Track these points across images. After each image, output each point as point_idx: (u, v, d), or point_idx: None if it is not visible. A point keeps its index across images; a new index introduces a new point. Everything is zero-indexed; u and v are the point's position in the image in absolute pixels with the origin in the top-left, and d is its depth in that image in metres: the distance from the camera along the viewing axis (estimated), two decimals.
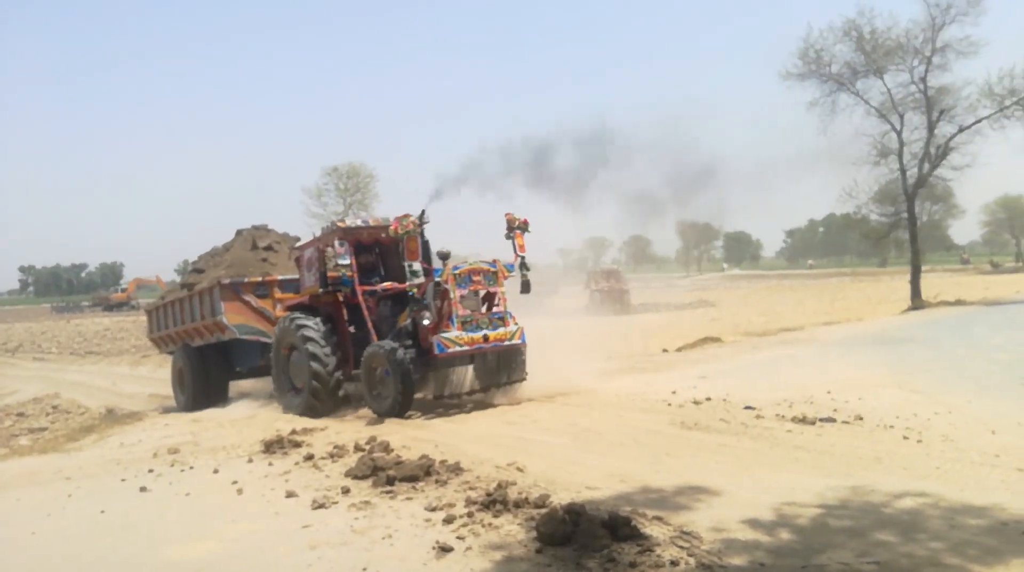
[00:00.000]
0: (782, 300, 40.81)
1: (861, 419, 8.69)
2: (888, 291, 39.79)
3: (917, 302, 26.65)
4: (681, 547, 5.02)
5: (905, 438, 7.79)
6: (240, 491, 7.25)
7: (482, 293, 11.15)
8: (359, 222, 12.65)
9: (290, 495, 6.90)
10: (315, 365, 11.64)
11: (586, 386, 11.99)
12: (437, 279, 10.92)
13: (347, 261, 11.67)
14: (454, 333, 10.62)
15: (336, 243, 11.77)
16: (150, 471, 8.31)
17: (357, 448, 8.39)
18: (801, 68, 27.52)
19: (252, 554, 5.58)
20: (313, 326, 11.97)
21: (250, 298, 14.43)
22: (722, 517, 5.59)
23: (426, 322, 10.77)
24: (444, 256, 11.55)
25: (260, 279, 14.71)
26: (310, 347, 11.74)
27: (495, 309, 11.11)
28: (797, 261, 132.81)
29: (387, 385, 10.69)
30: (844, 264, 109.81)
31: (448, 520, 5.84)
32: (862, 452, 7.35)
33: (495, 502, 6.03)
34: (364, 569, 5.09)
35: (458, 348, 10.62)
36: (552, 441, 8.53)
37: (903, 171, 27.24)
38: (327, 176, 64.47)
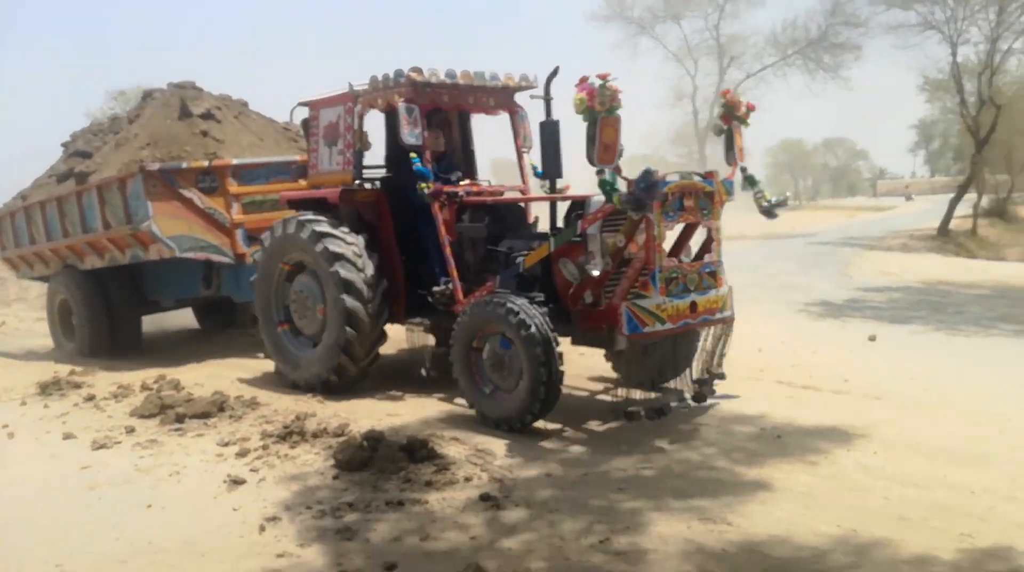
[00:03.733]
0: None
1: None
2: None
3: None
4: (475, 464, 5.17)
5: None
6: (11, 435, 6.66)
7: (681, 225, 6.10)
8: (442, 76, 7.08)
9: (68, 437, 6.42)
10: (349, 301, 6.90)
11: None
12: (637, 194, 5.49)
13: (418, 138, 6.78)
14: (657, 299, 5.68)
15: (401, 105, 6.73)
16: None
17: (144, 387, 7.91)
18: (606, 10, 28.29)
19: (26, 500, 5.16)
20: (343, 237, 7.09)
21: (192, 194, 9.16)
22: (518, 435, 5.79)
23: (595, 272, 5.91)
24: (457, 178, 7.65)
25: (206, 164, 9.29)
26: (341, 270, 6.90)
27: (706, 258, 6.15)
28: None
29: (507, 371, 5.93)
30: None
31: (241, 454, 5.66)
32: None
33: (292, 433, 5.91)
34: (149, 506, 4.85)
35: (659, 326, 5.67)
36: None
37: (695, 114, 28.88)
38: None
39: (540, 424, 5.98)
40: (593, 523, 4.33)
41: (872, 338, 9.48)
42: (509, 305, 5.79)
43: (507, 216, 7.32)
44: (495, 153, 9.37)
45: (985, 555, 3.81)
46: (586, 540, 4.12)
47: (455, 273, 6.75)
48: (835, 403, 6.41)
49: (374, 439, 5.35)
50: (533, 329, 5.64)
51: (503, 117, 7.67)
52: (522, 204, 7.60)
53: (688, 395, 6.44)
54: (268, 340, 7.90)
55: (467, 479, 4.93)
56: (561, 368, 5.76)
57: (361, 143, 7.44)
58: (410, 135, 6.73)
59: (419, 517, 4.47)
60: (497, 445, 5.59)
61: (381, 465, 5.08)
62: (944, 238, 24.75)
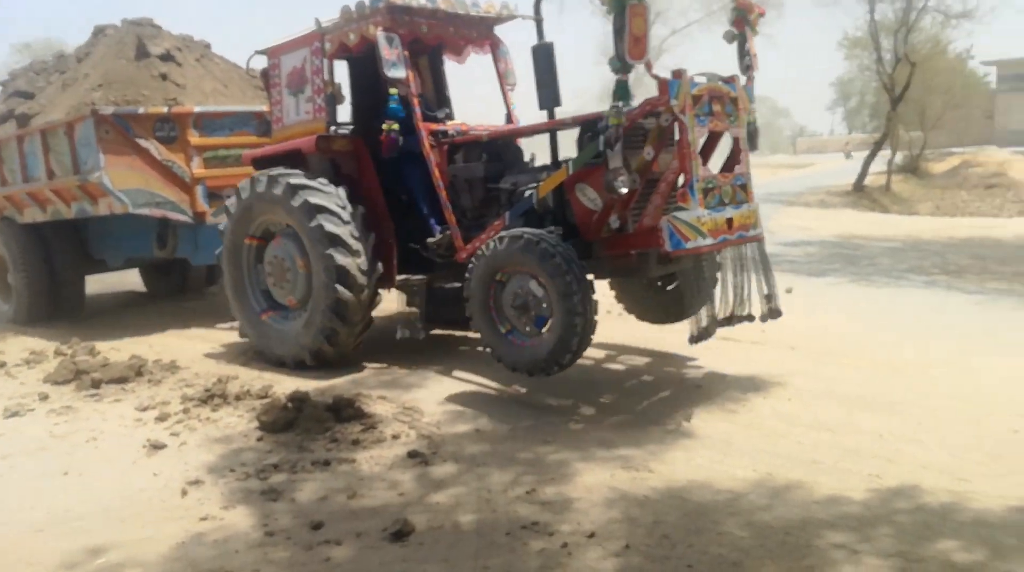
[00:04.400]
0: None
1: None
2: None
3: None
4: (403, 421, 5.17)
5: None
6: None
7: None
8: (423, 1, 6.42)
9: None
10: (339, 256, 6.18)
11: None
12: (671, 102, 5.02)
13: (402, 71, 6.06)
14: (697, 211, 5.09)
15: (380, 35, 6.00)
16: None
17: (58, 353, 7.64)
18: None
19: None
20: (322, 188, 6.39)
21: (149, 144, 8.25)
22: (446, 392, 5.81)
23: (624, 190, 5.24)
24: (444, 116, 7.30)
25: (165, 111, 8.37)
26: (326, 223, 6.19)
27: (737, 169, 5.48)
28: None
29: (533, 314, 5.32)
30: None
31: (161, 418, 5.53)
32: None
33: (214, 397, 5.81)
34: (65, 474, 4.72)
35: (701, 241, 5.11)
36: None
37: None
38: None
39: (474, 380, 6.01)
40: (520, 475, 4.39)
41: (788, 291, 9.74)
42: (544, 245, 5.12)
43: (503, 153, 6.66)
44: (463, 96, 8.28)
45: (892, 494, 4.00)
46: (513, 492, 4.17)
47: (453, 219, 6.24)
48: (753, 354, 6.59)
49: (299, 400, 5.30)
50: (570, 276, 5.05)
51: (472, 56, 7.20)
52: (517, 141, 6.85)
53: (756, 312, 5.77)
54: (249, 328, 7.07)
55: (395, 437, 4.93)
56: (596, 317, 5.22)
57: (333, 86, 6.78)
58: (393, 67, 5.99)
59: (346, 476, 4.45)
60: (426, 402, 5.60)
61: (306, 425, 5.03)
62: (859, 194, 25.53)
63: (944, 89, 30.14)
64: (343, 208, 6.32)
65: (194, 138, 8.49)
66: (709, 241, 5.15)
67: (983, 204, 20.95)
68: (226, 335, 8.26)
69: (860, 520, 3.73)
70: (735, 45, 5.58)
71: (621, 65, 4.97)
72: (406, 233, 6.63)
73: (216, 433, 5.23)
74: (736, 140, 5.49)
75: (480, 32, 7.01)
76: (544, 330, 5.28)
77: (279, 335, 6.76)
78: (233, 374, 6.49)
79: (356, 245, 6.27)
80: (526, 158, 6.85)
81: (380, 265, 6.42)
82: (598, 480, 4.29)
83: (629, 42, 4.91)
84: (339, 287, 6.18)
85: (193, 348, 7.80)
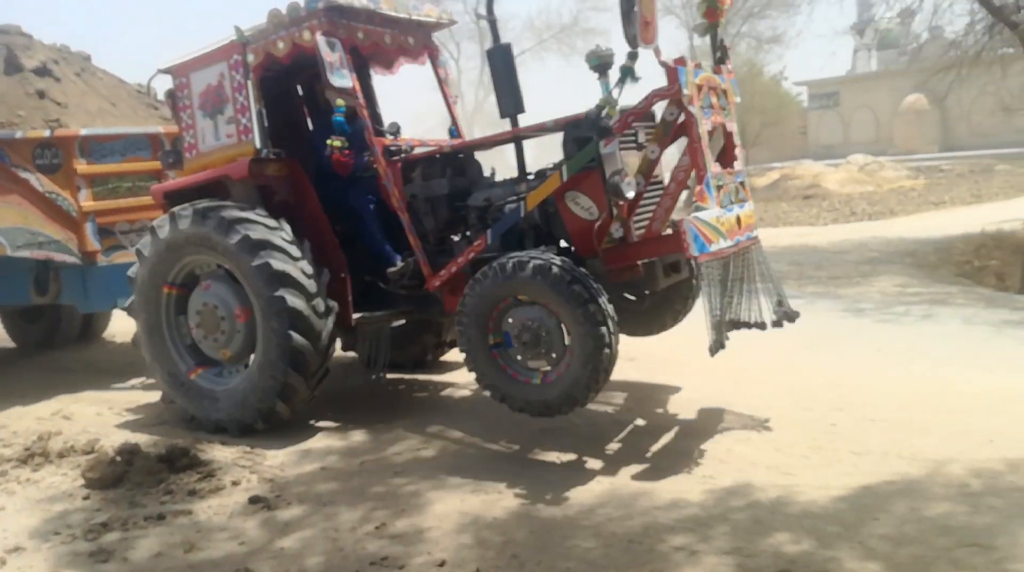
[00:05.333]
0: None
1: None
2: None
3: None
4: (244, 466, 4.96)
5: None
6: None
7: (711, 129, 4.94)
8: (365, 1, 5.77)
9: None
10: (291, 298, 5.31)
11: None
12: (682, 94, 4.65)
13: (348, 79, 5.44)
14: (715, 210, 4.74)
15: (321, 40, 5.36)
16: None
17: None
18: None
19: None
20: (261, 221, 5.52)
21: (29, 174, 7.14)
22: (290, 432, 5.61)
23: (630, 193, 4.79)
24: (394, 130, 6.61)
25: (47, 134, 7.27)
26: (272, 261, 5.33)
27: (736, 166, 5.12)
28: None
29: (543, 348, 4.70)
30: None
31: None
32: None
33: (34, 456, 5.35)
34: None
35: (723, 244, 4.75)
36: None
37: (462, 97, 29.38)
38: None
39: (320, 416, 5.85)
40: (371, 511, 4.30)
41: None
42: (558, 271, 4.52)
43: (466, 169, 5.99)
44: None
45: (727, 493, 4.20)
46: (363, 529, 4.08)
47: (419, 244, 5.59)
48: None
49: (128, 452, 4.97)
50: (593, 305, 4.46)
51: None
52: (471, 154, 6.09)
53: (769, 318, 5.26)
54: (175, 391, 5.98)
55: (235, 483, 4.72)
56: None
57: (261, 102, 5.87)
58: (339, 75, 5.35)
59: (183, 529, 4.21)
60: (268, 445, 5.38)
61: (138, 479, 4.73)
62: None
63: (761, 109, 32.27)
64: (290, 243, 5.49)
65: (81, 166, 7.33)
66: (729, 243, 4.80)
67: (801, 214, 22.42)
68: (132, 397, 7.04)
69: (698, 521, 3.90)
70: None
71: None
72: (355, 265, 5.88)
73: (38, 495, 4.82)
74: (731, 135, 5.12)
75: (417, 39, 6.37)
76: (556, 366, 4.70)
77: (215, 396, 5.75)
78: (56, 429, 6.01)
79: (310, 284, 5.42)
80: (485, 173, 6.16)
81: (335, 304, 5.64)
82: (450, 508, 4.27)
83: (640, 24, 4.49)
84: (293, 334, 5.29)
85: (99, 418, 6.41)
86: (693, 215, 4.58)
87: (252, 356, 5.68)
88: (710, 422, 5.25)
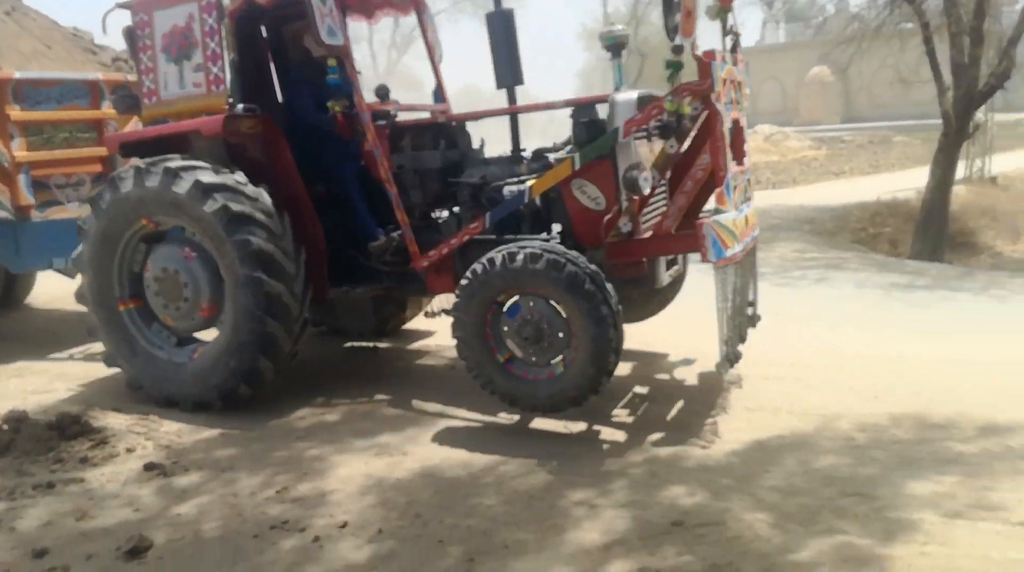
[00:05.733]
0: None
1: None
2: None
3: None
4: (139, 433, 4.81)
5: None
6: None
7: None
8: None
9: None
10: (269, 282, 4.94)
11: None
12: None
13: (340, 36, 5.09)
14: (732, 213, 4.52)
15: None
16: None
17: None
18: None
19: None
20: (240, 188, 5.07)
21: None
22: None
23: (647, 189, 4.66)
24: (383, 94, 6.00)
25: None
26: (253, 239, 4.92)
27: (746, 162, 4.95)
28: None
29: (546, 342, 4.51)
30: None
31: None
32: None
33: None
34: None
35: (737, 248, 4.56)
36: None
37: (373, 58, 28.86)
38: None
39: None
40: (273, 475, 4.24)
41: None
42: (571, 266, 4.32)
43: (458, 140, 5.69)
44: None
45: (626, 449, 4.31)
46: (263, 493, 4.02)
47: (406, 220, 5.20)
48: None
49: (15, 420, 4.75)
50: (605, 306, 4.32)
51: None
52: (463, 125, 5.77)
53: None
54: (124, 358, 5.47)
55: (130, 450, 4.57)
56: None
57: (236, 51, 5.32)
58: (330, 33, 4.94)
59: (74, 497, 4.06)
60: (165, 410, 5.23)
61: (25, 447, 4.52)
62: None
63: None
64: (271, 217, 5.03)
65: (14, 111, 6.73)
66: (740, 246, 4.60)
67: None
68: (66, 367, 6.47)
69: (597, 476, 3.98)
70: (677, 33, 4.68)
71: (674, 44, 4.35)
72: (329, 234, 5.47)
73: None
74: (741, 129, 4.80)
75: None
76: (558, 361, 4.54)
77: (170, 369, 5.32)
78: None
79: (290, 266, 5.03)
80: (474, 144, 5.85)
81: (310, 285, 5.26)
82: (354, 471, 4.24)
83: (683, 15, 4.27)
84: (268, 319, 4.93)
85: (20, 387, 5.95)
86: (713, 218, 4.37)
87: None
88: (613, 381, 5.34)
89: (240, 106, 5.29)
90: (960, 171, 16.32)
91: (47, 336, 7.43)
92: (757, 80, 41.71)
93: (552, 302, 4.44)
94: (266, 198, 5.12)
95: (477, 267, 4.55)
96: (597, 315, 4.29)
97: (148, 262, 5.37)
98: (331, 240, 5.45)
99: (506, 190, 5.15)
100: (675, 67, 4.45)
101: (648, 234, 4.86)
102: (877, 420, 4.56)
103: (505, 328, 4.56)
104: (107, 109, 7.11)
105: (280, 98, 6.03)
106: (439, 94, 6.19)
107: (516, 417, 4.86)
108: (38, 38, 7.83)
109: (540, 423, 4.76)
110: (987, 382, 5.18)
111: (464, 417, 4.95)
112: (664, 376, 5.54)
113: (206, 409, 5.16)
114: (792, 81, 39.69)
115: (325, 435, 4.76)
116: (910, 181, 16.76)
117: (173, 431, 4.88)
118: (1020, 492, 3.67)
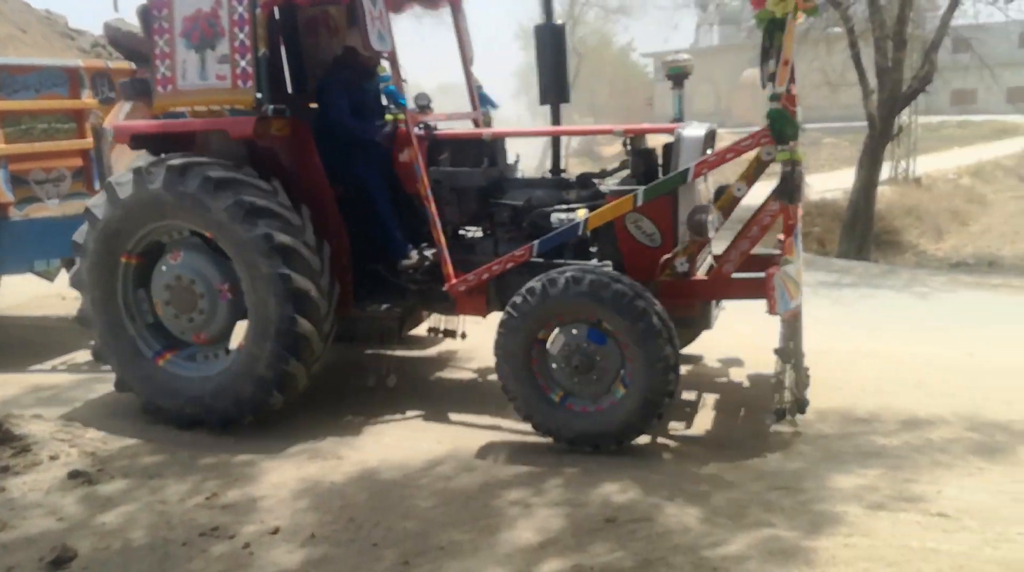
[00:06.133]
0: None
1: None
2: None
3: None
4: (63, 440, 4.66)
5: None
6: None
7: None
8: None
9: None
10: (296, 277, 4.57)
11: None
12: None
13: (389, 41, 4.80)
14: (798, 262, 4.29)
15: None
16: None
17: None
18: None
19: None
20: (256, 184, 4.72)
21: None
22: (116, 401, 5.32)
23: (713, 233, 4.55)
24: (424, 103, 5.57)
25: None
26: (276, 234, 4.57)
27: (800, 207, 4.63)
28: None
29: (596, 373, 4.31)
30: None
31: None
32: None
33: None
34: None
35: (799, 299, 4.32)
36: None
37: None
38: None
39: None
40: (201, 482, 4.16)
41: None
42: (619, 286, 4.14)
43: (496, 157, 5.29)
44: None
45: (563, 450, 4.33)
46: (192, 500, 3.94)
47: (443, 239, 4.83)
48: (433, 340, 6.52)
49: None
50: (656, 320, 4.11)
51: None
52: (503, 142, 5.37)
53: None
54: (135, 378, 5.01)
55: (53, 458, 4.42)
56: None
57: (267, 44, 4.84)
58: (380, 38, 4.62)
59: None
60: (91, 416, 5.07)
61: None
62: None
63: (610, 79, 33.22)
64: (289, 209, 4.69)
65: None
66: (801, 296, 4.31)
67: None
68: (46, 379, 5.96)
69: (533, 476, 4.01)
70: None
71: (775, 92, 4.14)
72: (357, 250, 5.11)
73: None
74: (801, 172, 4.49)
75: None
76: (612, 391, 4.31)
77: (188, 385, 4.89)
78: None
79: (314, 260, 4.70)
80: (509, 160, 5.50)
81: (336, 283, 4.93)
82: (286, 476, 4.19)
83: (780, 65, 4.08)
84: (299, 318, 4.58)
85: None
86: (783, 270, 4.16)
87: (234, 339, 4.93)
88: None
89: (271, 107, 4.81)
90: (885, 172, 16.86)
91: (23, 346, 6.76)
92: (692, 82, 42.25)
93: (601, 324, 4.23)
94: (280, 190, 4.77)
95: (517, 299, 4.32)
96: (651, 331, 4.09)
97: (153, 279, 4.95)
98: (355, 253, 5.10)
99: (554, 217, 4.90)
100: (775, 115, 4.18)
101: (704, 276, 4.68)
102: (803, 415, 4.67)
103: (554, 365, 4.34)
104: (87, 98, 6.64)
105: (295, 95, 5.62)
106: (473, 102, 5.85)
107: (450, 418, 4.86)
108: (11, 22, 7.20)
109: (478, 420, 4.77)
110: (909, 377, 5.36)
111: (402, 419, 4.92)
112: None
113: (234, 425, 4.81)
114: (726, 83, 40.41)
115: (256, 440, 4.67)
116: (838, 182, 17.24)
117: (98, 438, 4.74)
118: (939, 484, 3.82)
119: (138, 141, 5.20)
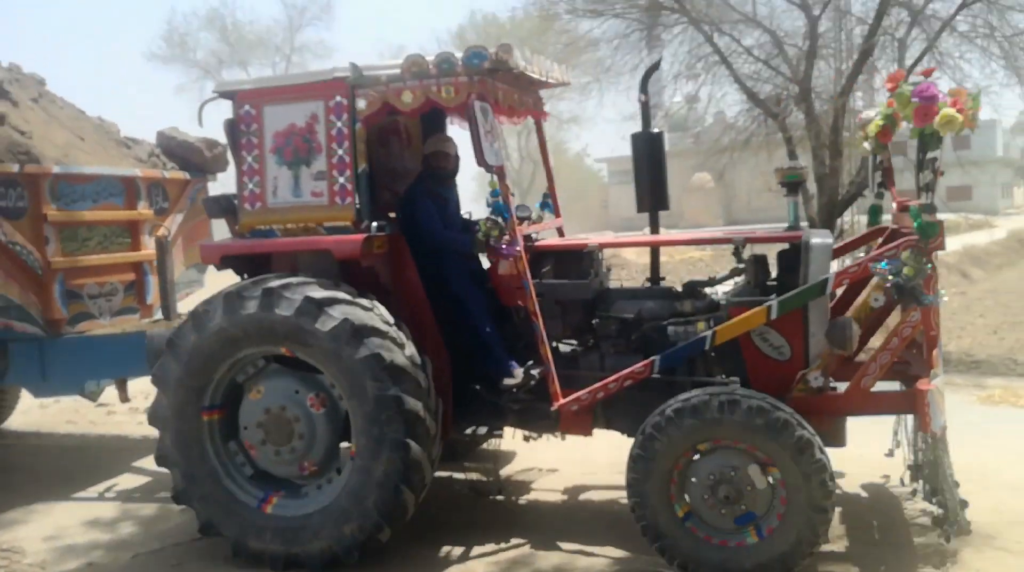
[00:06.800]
0: None
1: None
2: None
3: None
4: (1, 566, 4.50)
5: None
6: None
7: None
8: (522, 60, 4.64)
9: None
10: (407, 398, 4.26)
11: None
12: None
13: (500, 156, 4.63)
14: (943, 374, 4.29)
15: (477, 106, 4.42)
16: None
17: None
18: (166, 52, 27.19)
19: None
20: (357, 301, 4.43)
21: None
22: (55, 524, 5.16)
23: (854, 346, 4.57)
24: (526, 215, 5.27)
25: (15, 169, 5.64)
26: (385, 353, 4.28)
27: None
28: None
29: (743, 504, 4.00)
30: None
31: None
32: None
33: None
34: None
35: (945, 414, 4.14)
36: None
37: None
38: None
39: (89, 502, 5.41)
40: None
41: None
42: (763, 405, 3.87)
43: (597, 268, 5.04)
44: None
45: None
46: None
47: (550, 355, 4.56)
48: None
49: None
50: (814, 441, 3.85)
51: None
52: (601, 251, 5.11)
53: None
54: (238, 527, 4.51)
55: None
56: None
57: (367, 161, 4.67)
58: (492, 153, 4.45)
59: None
60: (28, 539, 4.94)
61: None
62: None
63: (566, 184, 34.05)
64: (391, 325, 4.42)
65: (50, 210, 5.74)
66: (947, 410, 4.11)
67: None
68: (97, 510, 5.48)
69: None
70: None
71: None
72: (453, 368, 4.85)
73: None
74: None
75: (535, 99, 5.54)
76: (752, 527, 3.98)
77: (294, 525, 4.42)
78: None
79: (422, 378, 4.41)
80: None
81: (440, 401, 4.62)
82: None
83: (888, 175, 4.31)
84: (411, 443, 4.25)
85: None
86: (935, 384, 3.97)
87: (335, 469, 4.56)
88: None
89: (374, 224, 4.64)
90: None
91: (61, 472, 6.26)
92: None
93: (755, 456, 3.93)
94: (379, 305, 4.52)
95: (659, 420, 4.01)
96: (816, 466, 3.81)
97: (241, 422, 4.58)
98: (454, 372, 4.83)
99: (670, 330, 4.64)
100: (928, 227, 4.08)
101: (841, 391, 4.41)
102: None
103: (703, 496, 3.99)
104: (143, 209, 6.38)
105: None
106: (554, 208, 5.71)
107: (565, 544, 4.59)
108: (68, 128, 6.84)
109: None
110: None
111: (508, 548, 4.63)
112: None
113: (337, 564, 4.35)
114: (676, 186, 41.62)
115: (201, 563, 4.56)
116: None
117: (37, 562, 4.61)
118: None
119: (227, 262, 4.93)
